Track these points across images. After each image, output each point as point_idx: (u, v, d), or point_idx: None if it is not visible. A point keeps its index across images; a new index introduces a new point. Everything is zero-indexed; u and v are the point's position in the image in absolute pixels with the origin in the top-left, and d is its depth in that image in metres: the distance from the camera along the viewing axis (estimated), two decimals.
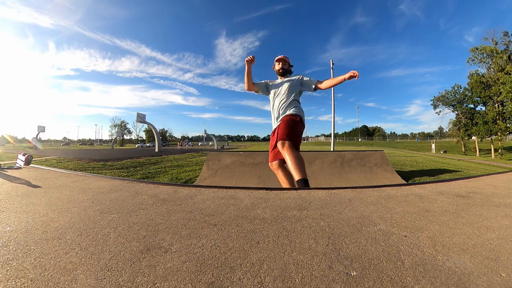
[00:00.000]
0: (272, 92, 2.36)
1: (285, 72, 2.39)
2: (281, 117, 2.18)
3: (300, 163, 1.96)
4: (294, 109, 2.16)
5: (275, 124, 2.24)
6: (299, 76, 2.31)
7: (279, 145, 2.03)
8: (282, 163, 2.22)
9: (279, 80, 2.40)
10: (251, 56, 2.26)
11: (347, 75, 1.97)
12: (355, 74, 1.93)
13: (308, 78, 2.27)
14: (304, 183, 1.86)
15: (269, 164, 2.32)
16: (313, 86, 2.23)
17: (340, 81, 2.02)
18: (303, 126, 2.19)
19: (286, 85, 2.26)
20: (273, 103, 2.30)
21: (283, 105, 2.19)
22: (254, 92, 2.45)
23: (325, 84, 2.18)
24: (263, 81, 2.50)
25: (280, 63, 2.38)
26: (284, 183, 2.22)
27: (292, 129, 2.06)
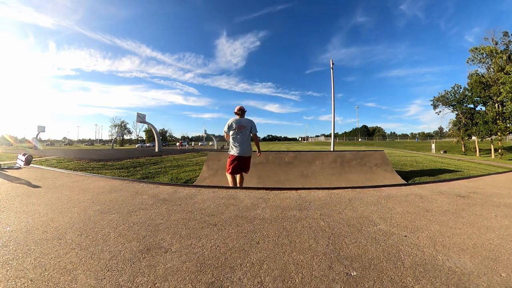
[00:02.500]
0: (233, 131, 3.13)
1: (242, 115, 3.21)
2: (246, 155, 3.09)
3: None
4: (250, 150, 3.15)
5: (236, 154, 3.08)
6: (251, 121, 3.18)
7: (244, 174, 3.17)
8: (237, 175, 3.20)
9: (238, 118, 3.17)
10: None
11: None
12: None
13: (254, 128, 3.20)
14: None
15: (228, 174, 3.11)
16: (253, 134, 3.18)
17: (258, 148, 3.35)
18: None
19: (244, 132, 3.09)
20: (237, 140, 3.11)
21: (246, 143, 3.09)
22: None
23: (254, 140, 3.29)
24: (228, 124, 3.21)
25: (241, 111, 3.22)
26: (231, 184, 3.07)
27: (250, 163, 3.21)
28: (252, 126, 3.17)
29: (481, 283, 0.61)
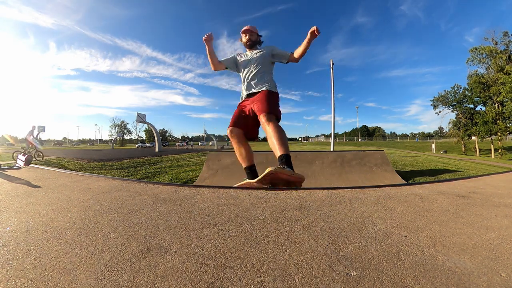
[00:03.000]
0: (241, 66, 2.21)
1: (254, 44, 2.25)
2: (255, 90, 2.08)
3: (285, 139, 1.90)
4: (269, 84, 2.08)
5: (244, 95, 2.15)
6: (270, 47, 2.18)
7: (263, 118, 1.89)
8: (246, 138, 2.15)
9: (248, 53, 2.26)
10: (207, 34, 2.10)
11: (309, 35, 1.95)
12: (314, 29, 1.91)
13: (281, 50, 2.16)
14: (286, 159, 1.79)
15: (230, 129, 2.09)
16: (287, 58, 2.14)
17: (308, 42, 1.98)
18: (278, 99, 2.12)
19: (256, 58, 2.13)
20: (244, 77, 2.17)
21: (256, 79, 2.09)
22: (223, 70, 2.28)
23: (297, 52, 2.08)
24: (230, 57, 2.32)
25: (247, 34, 2.21)
26: (241, 156, 2.15)
27: (275, 102, 2.00)
28: (270, 55, 2.13)
29: (481, 283, 0.61)
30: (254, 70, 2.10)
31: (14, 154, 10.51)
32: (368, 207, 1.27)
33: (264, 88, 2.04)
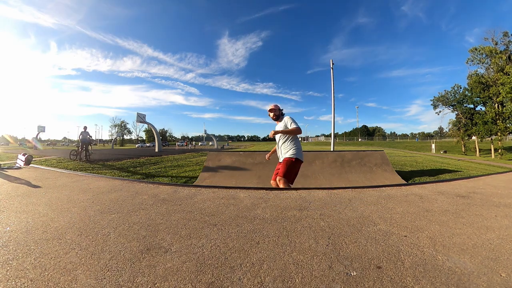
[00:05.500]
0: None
1: (278, 117, 2.94)
2: (282, 157, 2.71)
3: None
4: (290, 151, 2.69)
5: (280, 158, 2.82)
6: (286, 118, 2.85)
7: (278, 179, 2.64)
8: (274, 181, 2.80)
9: (277, 124, 2.99)
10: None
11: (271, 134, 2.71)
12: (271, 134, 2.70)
13: (291, 123, 2.78)
14: None
15: (271, 181, 2.86)
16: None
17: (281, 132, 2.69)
18: (299, 162, 2.70)
19: (280, 129, 2.78)
20: (277, 143, 2.89)
21: (282, 147, 2.78)
22: None
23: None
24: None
25: (271, 113, 2.95)
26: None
27: (289, 169, 2.64)
28: (285, 126, 2.79)
29: (481, 283, 0.61)
30: (281, 141, 2.78)
31: (71, 153, 10.68)
32: (368, 207, 1.27)
33: (287, 156, 2.67)
